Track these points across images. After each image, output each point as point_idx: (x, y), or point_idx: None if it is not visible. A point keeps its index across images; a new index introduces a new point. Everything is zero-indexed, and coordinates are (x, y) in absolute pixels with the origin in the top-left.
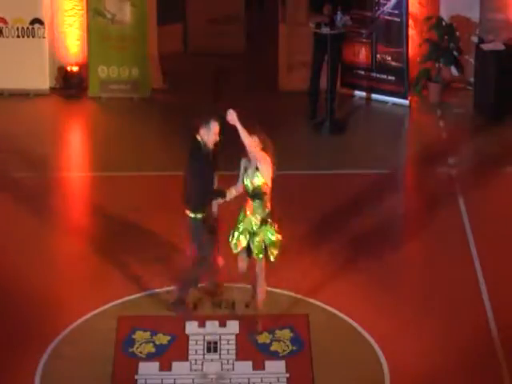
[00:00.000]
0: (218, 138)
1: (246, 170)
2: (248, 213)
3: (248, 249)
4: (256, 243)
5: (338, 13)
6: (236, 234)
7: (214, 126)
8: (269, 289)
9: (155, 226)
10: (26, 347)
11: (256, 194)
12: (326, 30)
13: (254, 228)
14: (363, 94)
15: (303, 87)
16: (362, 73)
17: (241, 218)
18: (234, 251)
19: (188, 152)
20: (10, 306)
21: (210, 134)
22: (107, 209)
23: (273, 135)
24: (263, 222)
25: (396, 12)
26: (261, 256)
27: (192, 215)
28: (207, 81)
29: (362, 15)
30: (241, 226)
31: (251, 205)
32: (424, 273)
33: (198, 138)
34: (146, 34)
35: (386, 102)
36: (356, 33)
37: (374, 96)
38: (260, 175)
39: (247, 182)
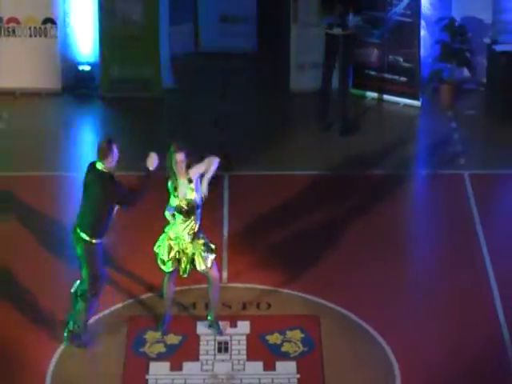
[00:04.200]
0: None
1: (175, 190)
2: (178, 232)
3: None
4: (198, 257)
5: (350, 13)
6: (168, 253)
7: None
8: (280, 290)
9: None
10: (37, 346)
11: (190, 209)
12: (337, 31)
13: (186, 245)
14: (375, 94)
15: (315, 88)
16: (374, 73)
17: (171, 237)
18: (167, 270)
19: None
20: (22, 304)
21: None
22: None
23: (284, 135)
24: (195, 236)
25: (408, 13)
26: (203, 267)
27: (87, 238)
28: (218, 81)
29: (373, 16)
30: (173, 244)
31: (185, 220)
32: (436, 275)
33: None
34: (157, 33)
35: (397, 103)
36: (368, 33)
37: (386, 97)
38: (193, 187)
39: (180, 201)
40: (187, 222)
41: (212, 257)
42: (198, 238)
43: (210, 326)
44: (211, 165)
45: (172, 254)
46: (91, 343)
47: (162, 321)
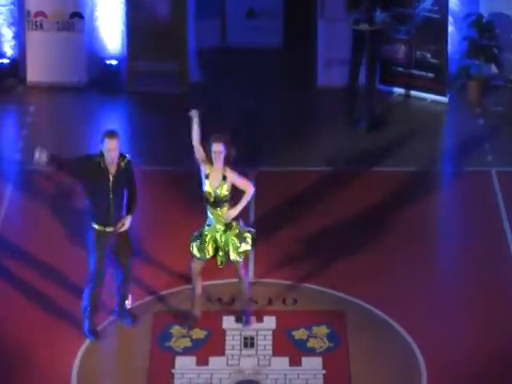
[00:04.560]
0: (112, 154)
1: (207, 176)
2: (212, 222)
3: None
4: (231, 248)
5: (377, 9)
6: (199, 243)
7: (107, 143)
8: (306, 285)
9: (192, 220)
10: (63, 341)
11: (217, 202)
12: (364, 27)
13: (219, 235)
14: (402, 90)
15: (341, 84)
16: (401, 70)
17: (205, 227)
18: (200, 259)
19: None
20: (48, 299)
21: (105, 151)
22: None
23: (310, 132)
24: (228, 227)
25: (436, 9)
26: (239, 259)
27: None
28: (244, 76)
29: (401, 12)
30: (208, 234)
31: (213, 211)
32: (462, 272)
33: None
34: (184, 28)
35: (424, 99)
36: (395, 29)
37: (413, 93)
38: (226, 185)
39: (209, 189)
40: (217, 212)
41: (245, 248)
42: (231, 229)
43: (237, 320)
44: (247, 192)
45: (205, 242)
46: (89, 336)
47: (190, 315)
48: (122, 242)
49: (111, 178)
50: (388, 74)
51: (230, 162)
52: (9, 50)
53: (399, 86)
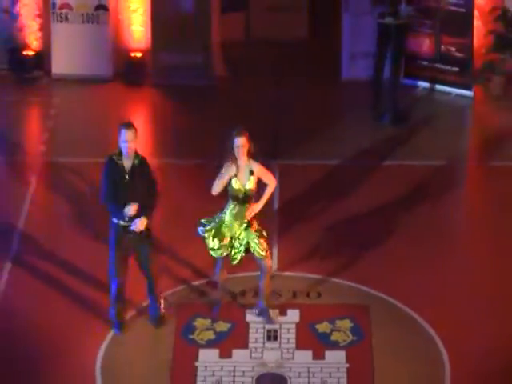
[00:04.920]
0: (128, 145)
1: (235, 175)
2: (233, 217)
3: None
4: (254, 245)
5: (403, 3)
6: (217, 240)
7: (123, 134)
8: (330, 279)
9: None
10: (87, 333)
11: (246, 197)
12: (389, 20)
13: (239, 232)
14: (426, 84)
15: (366, 77)
16: (426, 63)
17: (225, 224)
18: (216, 255)
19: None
20: (74, 291)
21: (120, 142)
22: (169, 195)
23: (335, 125)
24: (248, 224)
25: (461, 2)
26: (263, 254)
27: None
28: (269, 69)
29: (426, 5)
30: (226, 232)
31: (239, 208)
32: (487, 267)
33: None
34: (209, 21)
35: (449, 93)
36: (420, 23)
37: (438, 87)
38: (254, 180)
39: (239, 186)
40: (241, 210)
41: (265, 245)
42: (251, 226)
43: (259, 315)
44: (270, 186)
45: (224, 240)
46: (114, 329)
47: (215, 307)
48: (142, 239)
49: (127, 176)
50: (413, 67)
51: (251, 156)
52: (34, 42)
53: (424, 79)
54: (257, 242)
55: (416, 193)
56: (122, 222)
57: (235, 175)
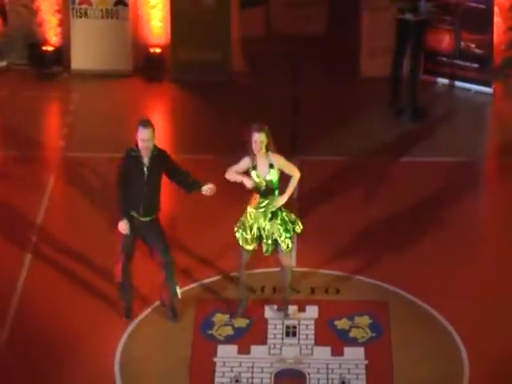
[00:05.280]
0: (146, 144)
1: (254, 167)
2: (258, 209)
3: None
4: (278, 236)
5: None
6: (244, 234)
7: (141, 132)
8: (349, 275)
9: (233, 209)
10: (106, 328)
11: (268, 190)
12: (409, 16)
13: (265, 224)
14: (446, 81)
15: (385, 73)
16: (445, 60)
17: (251, 217)
18: (246, 249)
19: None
20: (92, 286)
21: (138, 140)
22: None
23: (353, 121)
24: (273, 215)
25: None
26: (290, 246)
27: None
28: (288, 65)
29: (445, 1)
30: (253, 224)
31: (263, 200)
32: (507, 264)
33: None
34: (228, 16)
35: (469, 90)
36: (440, 19)
37: (457, 83)
38: (275, 171)
39: (259, 178)
40: (265, 202)
41: (291, 234)
42: (277, 217)
43: (278, 310)
44: (294, 177)
45: (250, 234)
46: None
47: (239, 307)
48: (155, 231)
49: (146, 170)
50: (432, 64)
51: (270, 150)
52: (53, 38)
53: (443, 76)
54: (280, 234)
55: (434, 190)
56: (138, 216)
57: (254, 168)
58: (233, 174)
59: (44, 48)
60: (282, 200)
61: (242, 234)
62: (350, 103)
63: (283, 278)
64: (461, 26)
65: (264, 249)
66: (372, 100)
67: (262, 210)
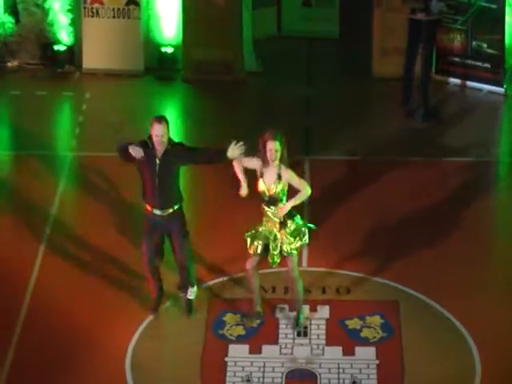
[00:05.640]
0: (160, 139)
1: (262, 175)
2: (268, 217)
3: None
4: (284, 243)
5: None
6: (252, 239)
7: (155, 128)
8: (359, 274)
9: (244, 208)
10: (117, 327)
11: (272, 200)
12: (421, 16)
13: (272, 234)
14: (458, 81)
15: (397, 73)
16: (457, 60)
17: (264, 222)
18: (253, 254)
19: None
20: (103, 285)
21: (152, 135)
22: (199, 190)
23: (365, 121)
24: (282, 225)
25: None
26: (294, 252)
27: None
28: (299, 65)
29: (458, 1)
30: (262, 232)
31: (269, 209)
32: None
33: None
34: (240, 16)
35: (481, 90)
36: (452, 19)
37: (469, 83)
38: (282, 184)
39: (264, 188)
40: (271, 210)
41: (298, 244)
42: (286, 226)
43: (291, 310)
44: (302, 193)
45: (257, 241)
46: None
47: (255, 315)
48: (174, 226)
49: (158, 161)
50: (444, 64)
51: (283, 161)
52: (65, 37)
53: (455, 76)
54: (289, 241)
55: (446, 190)
56: (148, 208)
57: (261, 175)
58: (239, 167)
59: (56, 47)
60: (283, 210)
61: (250, 238)
62: (362, 103)
63: (295, 292)
64: (472, 26)
65: (270, 259)
66: (384, 100)
67: (270, 218)
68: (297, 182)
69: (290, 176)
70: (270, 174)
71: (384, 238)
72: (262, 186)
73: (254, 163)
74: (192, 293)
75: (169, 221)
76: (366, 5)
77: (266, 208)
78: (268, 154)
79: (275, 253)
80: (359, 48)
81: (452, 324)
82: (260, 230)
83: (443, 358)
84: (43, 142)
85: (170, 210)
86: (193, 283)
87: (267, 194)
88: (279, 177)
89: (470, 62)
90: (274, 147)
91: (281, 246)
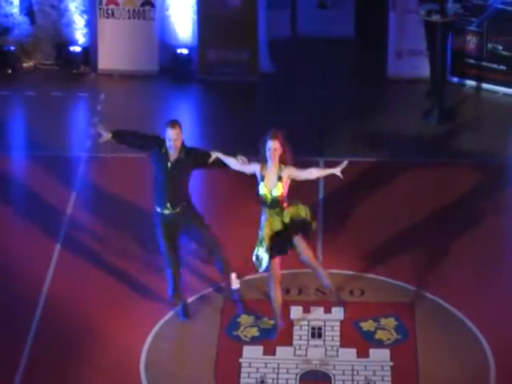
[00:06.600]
0: (173, 144)
1: (262, 179)
2: (268, 220)
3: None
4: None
5: (449, 0)
6: (260, 251)
7: (168, 132)
8: (374, 276)
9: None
10: (132, 327)
11: (274, 203)
12: (436, 18)
13: (279, 225)
14: (473, 83)
15: (412, 75)
16: (473, 62)
17: (263, 233)
18: (260, 270)
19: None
20: (119, 284)
21: (166, 139)
22: (213, 191)
23: (380, 122)
24: (284, 224)
25: (509, 0)
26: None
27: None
28: (315, 66)
29: (473, 3)
30: (263, 243)
31: (270, 212)
32: None
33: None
34: (255, 17)
35: (496, 92)
36: (467, 21)
37: (485, 85)
38: (281, 186)
39: (266, 191)
40: (272, 213)
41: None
42: (284, 212)
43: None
44: (313, 171)
45: (266, 242)
46: (181, 317)
47: (274, 328)
48: (187, 219)
49: (169, 164)
50: (459, 65)
51: (283, 161)
52: (81, 38)
53: (470, 78)
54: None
55: (461, 191)
56: (158, 209)
57: (262, 178)
58: (237, 165)
59: (71, 48)
60: (319, 172)
61: (258, 249)
62: (376, 104)
63: (320, 276)
64: (488, 28)
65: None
66: (399, 101)
67: (272, 221)
68: (300, 172)
69: (290, 171)
70: (270, 176)
71: (399, 240)
72: (263, 189)
73: (251, 169)
74: (235, 283)
75: (180, 217)
76: (381, 6)
77: (270, 211)
78: (267, 153)
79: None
80: (374, 49)
81: (466, 326)
82: (261, 235)
83: (458, 360)
84: (58, 143)
85: (178, 209)
86: (228, 272)
87: (269, 197)
88: (279, 178)
89: (485, 63)
90: (273, 146)
91: (296, 221)
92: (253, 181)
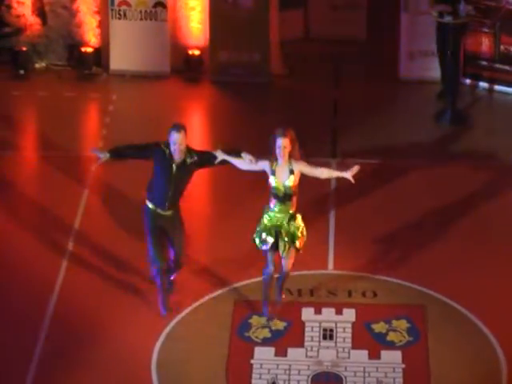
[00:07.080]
0: (178, 148)
1: (273, 173)
2: (275, 213)
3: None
4: (291, 234)
5: (462, 2)
6: (263, 233)
7: (173, 136)
8: (386, 278)
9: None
10: (144, 328)
11: (287, 196)
12: (448, 19)
13: (283, 223)
14: (486, 84)
15: (423, 76)
16: (485, 63)
17: (267, 217)
18: (261, 248)
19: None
20: (131, 286)
21: (170, 143)
22: (224, 190)
23: (392, 124)
24: (291, 218)
25: None
26: (297, 243)
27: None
28: (327, 67)
29: (485, 5)
30: (268, 224)
31: (280, 206)
32: None
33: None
34: (267, 18)
35: (509, 93)
36: (479, 23)
37: (497, 87)
38: (293, 178)
39: (278, 184)
40: (282, 207)
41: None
42: (294, 220)
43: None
44: (324, 170)
45: (265, 233)
46: (162, 311)
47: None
48: (175, 224)
49: (174, 167)
50: (472, 67)
51: (293, 157)
52: (92, 39)
53: (483, 79)
54: (297, 235)
55: (473, 193)
56: (151, 206)
57: (273, 173)
58: (248, 165)
59: (83, 49)
60: (331, 173)
61: (258, 237)
62: (388, 105)
63: (281, 281)
64: (501, 30)
65: (281, 249)
66: (411, 103)
67: (281, 213)
68: (311, 168)
69: (302, 167)
70: (281, 170)
71: (411, 242)
72: (274, 182)
73: (261, 165)
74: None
75: (170, 219)
76: (393, 7)
77: (280, 204)
78: (277, 151)
79: (287, 240)
80: (386, 50)
81: (478, 329)
82: (266, 224)
83: (469, 362)
84: (70, 143)
85: (171, 212)
86: (179, 268)
87: (282, 190)
88: (291, 171)
89: (497, 65)
90: (282, 144)
91: (291, 234)
92: (255, 176)
